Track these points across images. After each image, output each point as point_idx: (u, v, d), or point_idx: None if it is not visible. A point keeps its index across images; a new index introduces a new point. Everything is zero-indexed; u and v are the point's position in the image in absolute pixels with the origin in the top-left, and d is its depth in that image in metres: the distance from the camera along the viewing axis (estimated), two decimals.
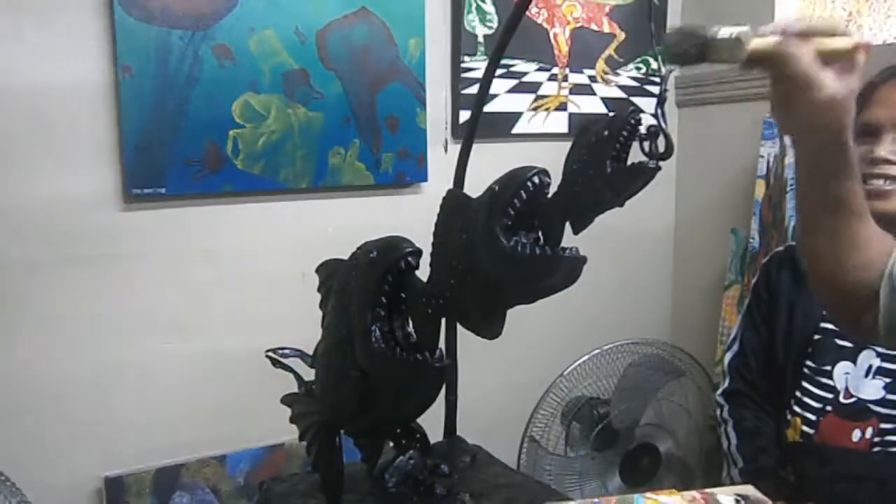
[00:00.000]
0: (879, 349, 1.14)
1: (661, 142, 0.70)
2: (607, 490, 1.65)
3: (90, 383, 1.42)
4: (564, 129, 1.86)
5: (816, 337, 1.18)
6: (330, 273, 0.88)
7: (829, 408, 1.15)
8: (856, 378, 1.15)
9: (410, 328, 0.79)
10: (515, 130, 1.80)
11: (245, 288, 1.54)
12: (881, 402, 1.11)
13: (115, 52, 1.35)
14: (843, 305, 0.78)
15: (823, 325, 1.18)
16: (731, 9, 1.90)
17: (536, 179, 0.65)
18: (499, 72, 1.71)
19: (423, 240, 0.77)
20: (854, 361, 1.15)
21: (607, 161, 0.67)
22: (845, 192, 0.71)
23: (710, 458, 1.75)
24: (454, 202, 0.74)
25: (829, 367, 1.16)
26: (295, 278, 1.46)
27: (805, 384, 1.18)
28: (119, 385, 1.45)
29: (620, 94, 1.92)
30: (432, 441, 0.98)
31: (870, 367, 1.14)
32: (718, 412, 1.36)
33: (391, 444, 0.94)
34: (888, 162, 1.09)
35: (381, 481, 0.93)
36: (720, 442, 1.35)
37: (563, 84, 1.85)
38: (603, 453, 1.66)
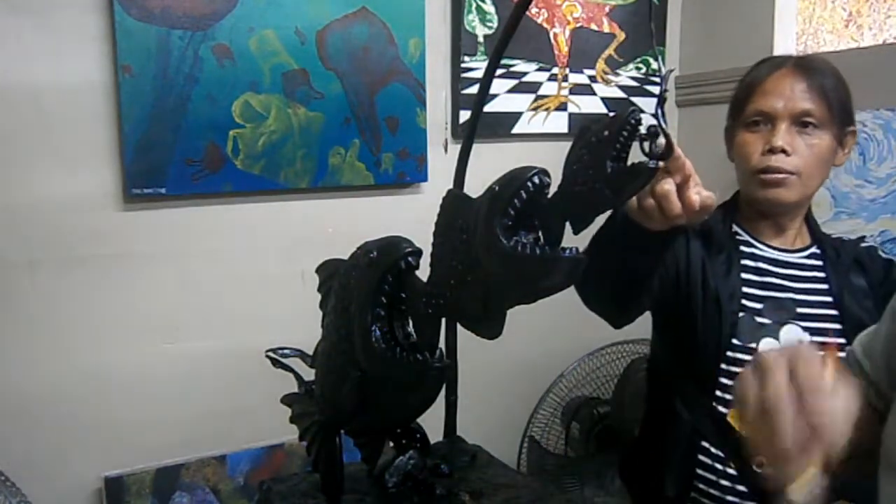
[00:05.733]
0: (802, 324, 1.14)
1: (661, 142, 0.70)
2: (607, 490, 1.65)
3: (90, 383, 1.42)
4: (564, 129, 1.86)
5: (741, 315, 1.16)
6: (330, 273, 0.88)
7: None
8: None
9: (410, 328, 0.79)
10: (515, 130, 1.80)
11: (245, 288, 1.54)
12: None
13: (115, 52, 1.35)
14: None
15: (744, 302, 1.16)
16: (731, 8, 1.90)
17: (536, 179, 0.65)
18: (499, 72, 1.71)
19: (423, 240, 0.77)
20: (776, 337, 1.14)
21: (607, 161, 0.67)
22: None
23: None
24: (454, 202, 0.74)
25: (753, 345, 1.13)
26: (295, 278, 1.46)
27: (730, 367, 1.14)
28: (119, 385, 1.45)
29: (620, 94, 1.92)
30: (432, 441, 0.98)
31: (800, 342, 1.13)
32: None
33: (391, 444, 0.94)
34: (784, 152, 1.12)
35: (381, 481, 0.93)
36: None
37: (563, 84, 1.85)
38: (603, 453, 1.66)
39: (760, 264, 1.19)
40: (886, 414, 0.75)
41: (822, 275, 1.18)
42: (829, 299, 1.16)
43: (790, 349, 0.60)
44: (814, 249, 1.21)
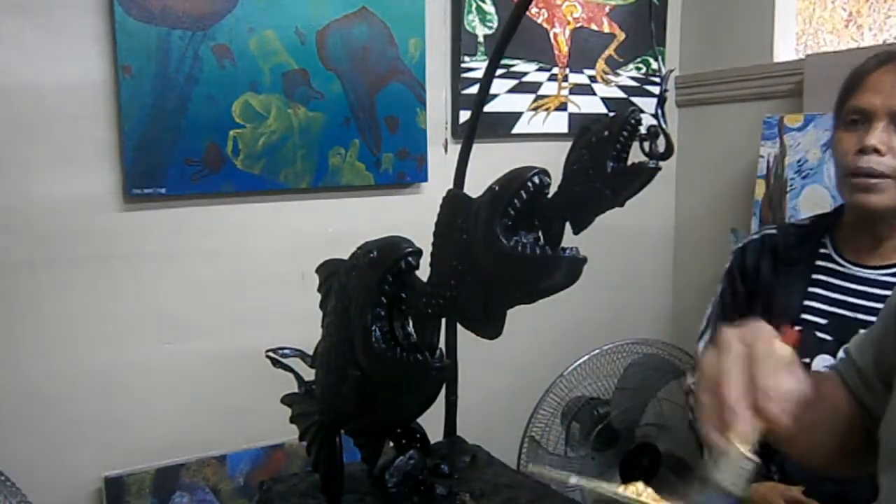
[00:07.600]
0: None
1: (661, 142, 0.70)
2: None
3: (90, 383, 1.42)
4: (564, 129, 1.86)
5: (796, 329, 1.13)
6: (330, 273, 0.88)
7: None
8: None
9: (410, 328, 0.79)
10: (515, 130, 1.80)
11: (245, 288, 1.54)
12: None
13: (115, 52, 1.35)
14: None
15: (804, 316, 1.14)
16: (731, 8, 1.90)
17: (536, 179, 0.65)
18: (499, 72, 1.71)
19: (423, 240, 0.77)
20: (834, 355, 1.10)
21: (607, 161, 0.67)
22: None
23: None
24: (454, 202, 0.74)
25: (808, 360, 1.10)
26: (295, 278, 1.46)
27: None
28: (119, 385, 1.45)
29: (620, 94, 1.92)
30: (432, 441, 0.98)
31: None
32: (691, 401, 1.28)
33: (391, 444, 0.94)
34: (877, 152, 1.05)
35: (381, 481, 0.93)
36: (696, 434, 1.29)
37: (563, 84, 1.85)
38: (603, 453, 1.66)
39: (833, 280, 1.14)
40: (876, 412, 0.75)
41: None
42: None
43: (750, 327, 0.61)
44: None
